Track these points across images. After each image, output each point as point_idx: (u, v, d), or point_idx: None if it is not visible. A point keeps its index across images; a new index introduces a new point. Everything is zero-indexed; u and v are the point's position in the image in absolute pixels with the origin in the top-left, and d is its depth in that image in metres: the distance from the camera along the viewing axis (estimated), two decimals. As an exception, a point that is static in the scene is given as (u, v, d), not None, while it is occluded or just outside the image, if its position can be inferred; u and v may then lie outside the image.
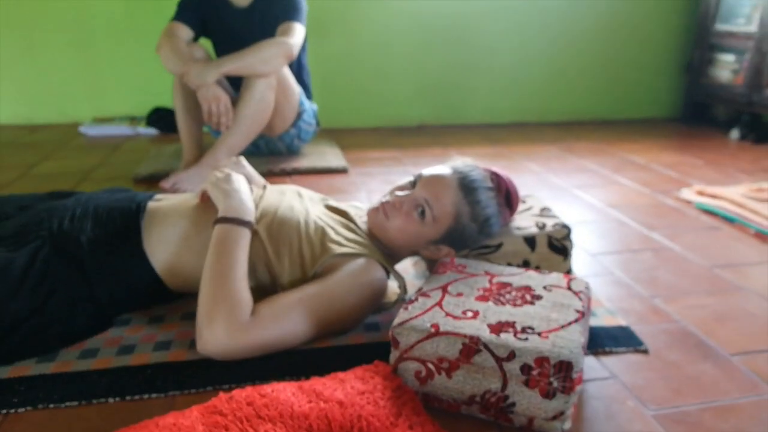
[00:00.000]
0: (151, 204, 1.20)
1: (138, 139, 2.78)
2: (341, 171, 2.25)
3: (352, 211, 1.27)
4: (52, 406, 0.90)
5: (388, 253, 1.20)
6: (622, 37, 3.29)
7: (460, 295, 0.99)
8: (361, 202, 1.70)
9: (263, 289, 1.12)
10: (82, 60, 2.98)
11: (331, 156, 2.40)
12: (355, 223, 1.23)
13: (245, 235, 1.08)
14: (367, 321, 1.15)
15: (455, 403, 0.88)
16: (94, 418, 0.88)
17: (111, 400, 0.92)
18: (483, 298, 0.97)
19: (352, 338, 1.09)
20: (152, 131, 2.90)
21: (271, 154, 2.38)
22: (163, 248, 1.13)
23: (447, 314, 0.92)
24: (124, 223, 1.14)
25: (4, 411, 0.89)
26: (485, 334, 0.87)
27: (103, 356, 1.02)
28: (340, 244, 1.13)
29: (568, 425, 0.85)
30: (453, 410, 0.89)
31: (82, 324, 1.07)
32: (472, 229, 1.16)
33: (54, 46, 2.93)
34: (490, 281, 1.04)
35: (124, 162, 2.36)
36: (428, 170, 1.18)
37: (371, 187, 2.05)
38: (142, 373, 0.97)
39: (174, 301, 1.20)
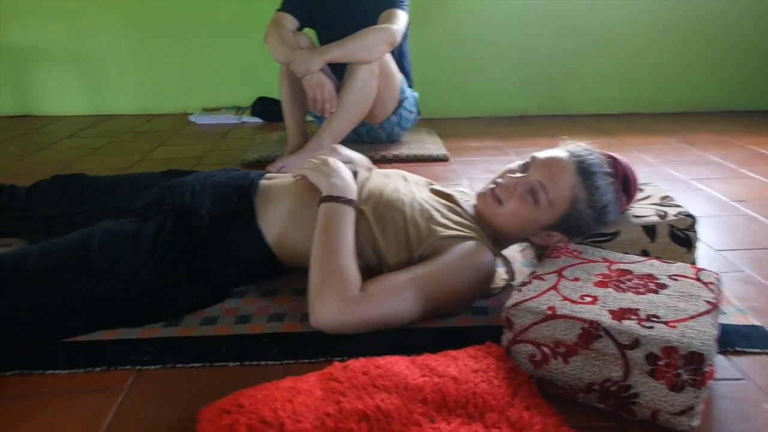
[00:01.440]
0: (262, 182, 1.24)
1: (243, 128, 2.91)
2: (442, 159, 2.23)
3: (457, 195, 1.25)
4: (179, 365, 0.96)
5: (495, 238, 1.18)
6: (747, 20, 3.01)
7: (576, 279, 0.95)
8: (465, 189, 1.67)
9: (370, 270, 1.13)
10: (193, 54, 3.17)
11: (431, 144, 2.39)
12: (461, 207, 1.21)
13: (350, 213, 1.10)
14: (474, 305, 1.13)
15: (571, 390, 0.85)
16: (216, 380, 0.93)
17: (231, 364, 0.96)
18: (602, 284, 0.93)
19: (460, 320, 1.08)
20: (256, 120, 3.03)
21: (372, 142, 2.41)
22: (274, 223, 1.16)
23: (564, 298, 0.88)
24: (239, 200, 1.19)
25: (138, 367, 0.96)
26: (606, 319, 0.82)
27: (222, 324, 1.07)
28: (446, 227, 1.12)
29: (696, 422, 0.80)
30: (569, 397, 0.86)
31: (203, 294, 1.13)
32: (589, 216, 1.11)
33: (168, 42, 3.15)
34: (609, 268, 0.99)
35: (232, 149, 2.48)
36: (543, 153, 1.14)
37: (472, 175, 2.02)
38: (259, 342, 1.02)
39: (285, 275, 1.24)
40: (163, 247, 1.08)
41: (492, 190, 1.14)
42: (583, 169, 1.10)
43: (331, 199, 1.11)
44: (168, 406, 0.87)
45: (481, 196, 1.17)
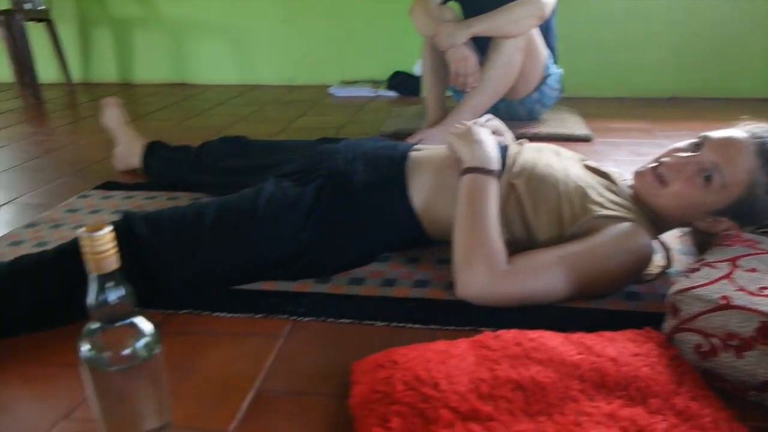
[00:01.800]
0: (412, 153, 1.26)
1: (379, 101, 2.97)
2: (584, 139, 2.13)
3: (614, 174, 1.19)
4: (330, 320, 1.01)
5: (654, 221, 1.11)
6: None
7: (753, 270, 0.87)
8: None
9: (518, 245, 1.11)
10: (334, 28, 3.26)
11: (572, 123, 2.29)
12: (617, 186, 1.15)
13: (492, 184, 1.09)
14: (626, 289, 1.08)
15: (742, 386, 0.79)
16: (363, 337, 0.97)
17: (378, 323, 1.00)
18: (784, 278, 0.85)
19: (612, 303, 1.04)
20: (392, 94, 3.07)
21: (511, 119, 2.33)
22: (422, 193, 1.18)
23: (740, 288, 0.82)
24: (390, 168, 1.21)
25: (293, 318, 1.02)
26: (791, 315, 0.75)
27: (369, 285, 1.11)
28: (602, 206, 1.07)
29: None
30: (738, 393, 0.80)
31: (353, 257, 1.17)
32: (767, 204, 1.02)
33: (312, 16, 3.27)
34: (791, 261, 0.90)
35: (370, 120, 2.53)
36: (717, 132, 1.05)
37: (618, 157, 1.92)
38: (404, 305, 1.04)
39: (428, 246, 1.25)
40: (320, 212, 1.13)
41: (654, 168, 1.08)
42: (764, 152, 1.00)
43: (473, 170, 1.10)
44: (322, 356, 0.92)
45: (639, 175, 1.10)
